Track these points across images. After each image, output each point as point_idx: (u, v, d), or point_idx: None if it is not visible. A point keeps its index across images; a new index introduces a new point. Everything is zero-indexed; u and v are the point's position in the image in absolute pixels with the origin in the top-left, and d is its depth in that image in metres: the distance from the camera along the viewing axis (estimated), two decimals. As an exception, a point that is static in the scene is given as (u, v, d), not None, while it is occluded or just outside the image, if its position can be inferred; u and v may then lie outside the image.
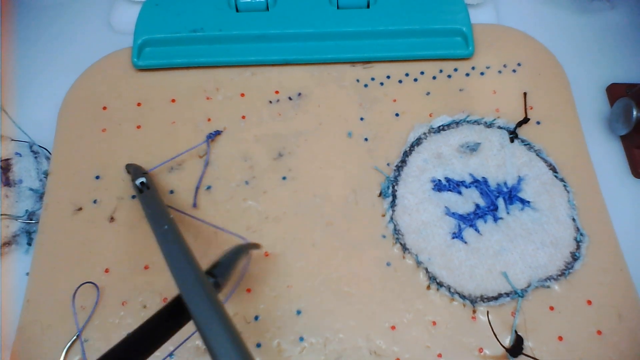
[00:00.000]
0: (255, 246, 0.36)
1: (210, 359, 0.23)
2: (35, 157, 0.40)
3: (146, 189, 0.35)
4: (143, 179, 0.35)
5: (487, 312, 0.34)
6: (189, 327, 0.34)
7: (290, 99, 0.43)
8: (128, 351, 0.26)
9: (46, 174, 0.39)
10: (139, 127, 0.41)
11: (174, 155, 0.40)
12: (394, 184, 0.39)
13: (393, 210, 0.38)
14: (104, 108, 0.42)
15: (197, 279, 0.27)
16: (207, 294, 0.26)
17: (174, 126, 0.41)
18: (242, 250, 0.33)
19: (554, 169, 0.39)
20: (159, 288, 0.35)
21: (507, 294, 0.35)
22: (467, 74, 0.43)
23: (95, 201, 0.38)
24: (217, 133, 0.41)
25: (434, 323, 0.34)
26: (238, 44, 0.44)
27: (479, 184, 0.39)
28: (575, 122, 0.41)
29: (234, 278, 0.35)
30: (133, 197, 0.38)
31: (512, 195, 0.38)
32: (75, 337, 0.33)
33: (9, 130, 0.42)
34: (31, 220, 0.38)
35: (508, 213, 0.38)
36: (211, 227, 0.37)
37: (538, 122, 0.41)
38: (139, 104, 0.42)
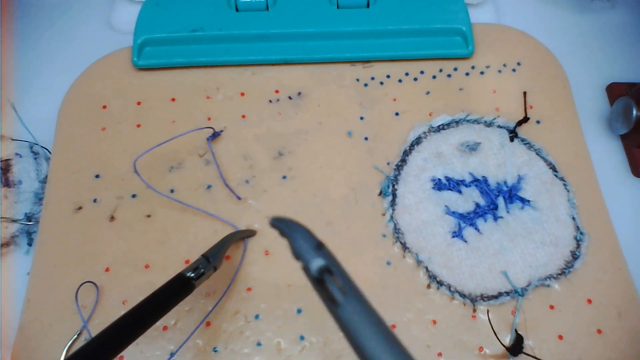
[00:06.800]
0: (251, 232, 0.37)
1: None
2: (35, 158, 0.40)
3: (338, 292, 0.19)
4: (323, 262, 0.20)
5: (487, 311, 0.34)
6: (189, 327, 0.34)
7: (290, 98, 0.43)
8: (131, 325, 0.27)
9: (45, 180, 0.39)
10: (139, 126, 0.41)
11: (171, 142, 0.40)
12: (394, 183, 0.39)
13: (393, 210, 0.38)
14: (104, 107, 0.42)
15: None
16: None
17: (174, 125, 0.41)
18: (235, 236, 0.34)
19: (554, 168, 0.39)
20: (159, 287, 0.35)
21: (507, 293, 0.35)
22: (467, 74, 0.43)
23: (95, 200, 0.38)
24: (217, 134, 0.40)
25: (434, 322, 0.34)
26: (238, 43, 0.44)
27: (479, 183, 0.39)
28: (575, 121, 0.41)
29: (232, 270, 0.35)
30: (133, 196, 0.38)
31: (512, 194, 0.38)
32: (75, 336, 0.33)
33: (10, 130, 0.42)
34: (30, 222, 0.38)
35: (508, 212, 0.38)
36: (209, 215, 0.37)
37: (538, 122, 0.41)
38: (139, 103, 0.42)
